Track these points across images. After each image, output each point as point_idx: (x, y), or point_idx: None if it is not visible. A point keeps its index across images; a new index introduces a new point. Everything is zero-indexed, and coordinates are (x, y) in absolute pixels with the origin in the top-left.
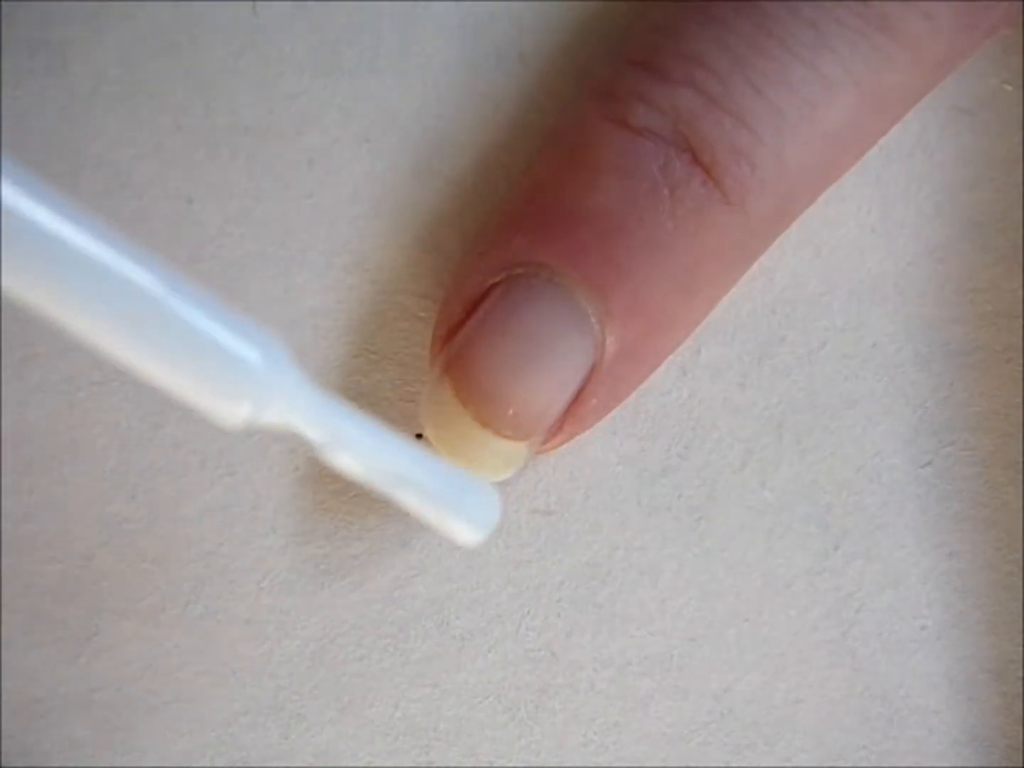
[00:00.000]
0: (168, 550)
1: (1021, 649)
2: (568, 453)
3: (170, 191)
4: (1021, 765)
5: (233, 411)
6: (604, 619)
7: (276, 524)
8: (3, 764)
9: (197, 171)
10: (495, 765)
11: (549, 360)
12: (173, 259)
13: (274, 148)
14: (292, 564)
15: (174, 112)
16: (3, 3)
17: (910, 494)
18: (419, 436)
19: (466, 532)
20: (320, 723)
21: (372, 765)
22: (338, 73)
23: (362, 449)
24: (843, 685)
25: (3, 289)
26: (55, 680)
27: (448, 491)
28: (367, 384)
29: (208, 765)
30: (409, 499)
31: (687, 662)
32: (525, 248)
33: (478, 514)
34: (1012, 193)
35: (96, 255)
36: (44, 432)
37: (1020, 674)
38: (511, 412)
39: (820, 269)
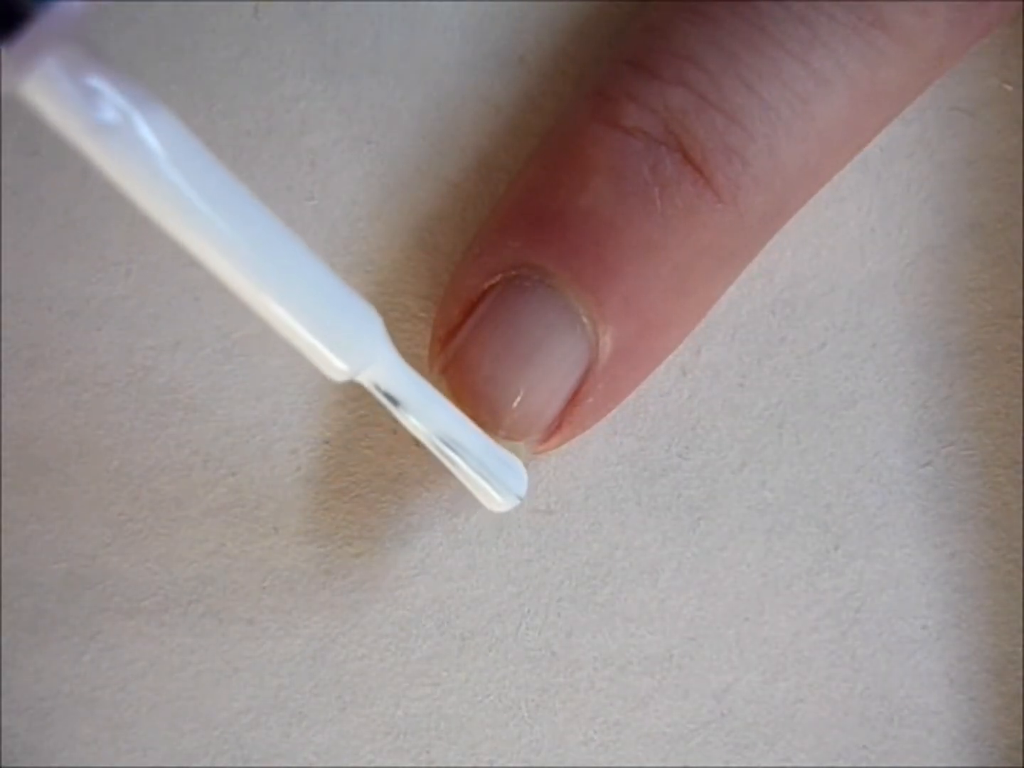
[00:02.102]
0: (171, 550)
1: (1021, 649)
2: (568, 453)
3: None
4: (1021, 765)
5: (341, 365)
6: (604, 618)
7: (278, 524)
8: (7, 762)
9: None
10: (495, 764)
11: (544, 361)
12: (175, 260)
13: (276, 150)
14: (294, 564)
15: (177, 114)
16: None
17: (910, 494)
18: None
19: (500, 499)
20: (321, 722)
21: (373, 764)
22: (339, 75)
23: (430, 415)
24: (843, 685)
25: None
26: (58, 678)
27: (493, 460)
28: None
29: (210, 763)
30: (460, 463)
31: (687, 661)
32: (519, 250)
33: (512, 484)
34: (1012, 193)
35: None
36: (49, 433)
37: (1020, 674)
38: (507, 412)
39: (820, 269)
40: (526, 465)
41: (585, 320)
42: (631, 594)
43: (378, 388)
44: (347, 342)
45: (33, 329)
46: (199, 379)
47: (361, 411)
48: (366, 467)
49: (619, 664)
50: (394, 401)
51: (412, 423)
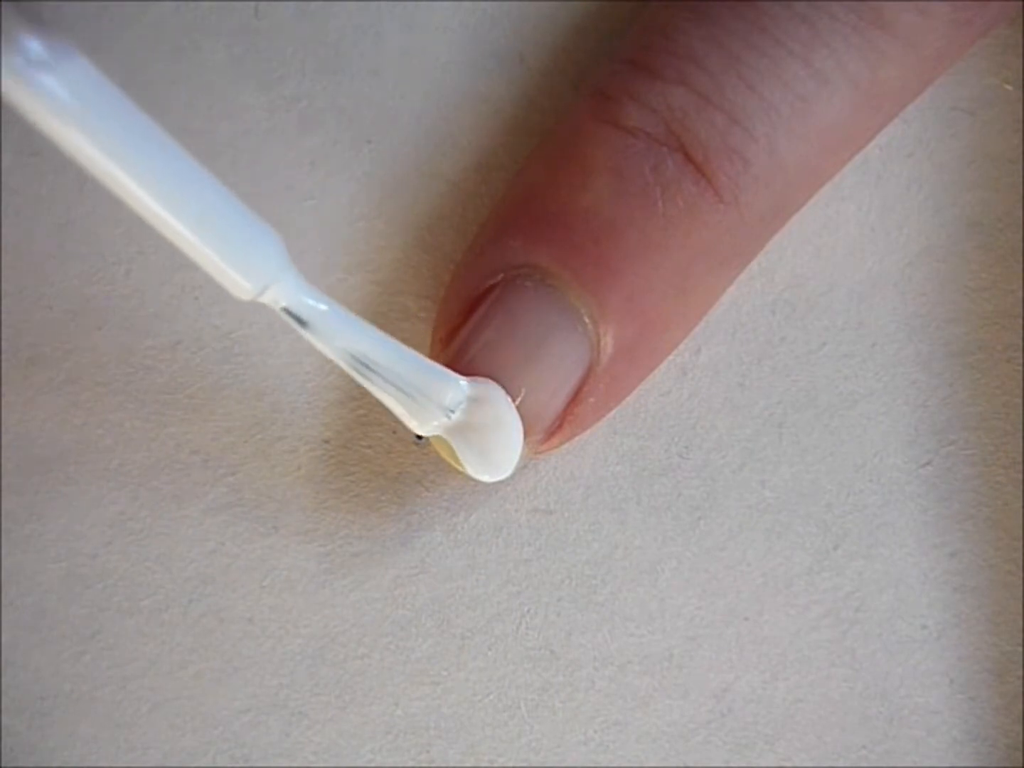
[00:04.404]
0: (171, 549)
1: (1021, 649)
2: (568, 453)
3: None
4: (1021, 765)
5: (244, 283)
6: (604, 618)
7: (278, 523)
8: (7, 762)
9: None
10: (495, 763)
11: (545, 360)
12: (175, 259)
13: (276, 150)
14: (294, 563)
15: (177, 115)
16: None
17: (910, 494)
18: (419, 437)
19: (423, 415)
20: (321, 721)
21: (373, 763)
22: (339, 75)
23: (337, 332)
24: (843, 685)
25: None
26: (58, 677)
27: (414, 375)
28: None
29: (210, 763)
30: (375, 381)
31: (687, 661)
32: (520, 249)
33: (440, 398)
34: (1012, 193)
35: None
36: (49, 432)
37: (1020, 674)
38: None
39: (820, 269)
40: (526, 466)
41: (586, 320)
42: (631, 594)
43: (284, 310)
44: (248, 259)
45: (33, 329)
46: (199, 379)
47: (361, 411)
48: (366, 467)
49: (619, 664)
50: (301, 322)
51: (321, 343)
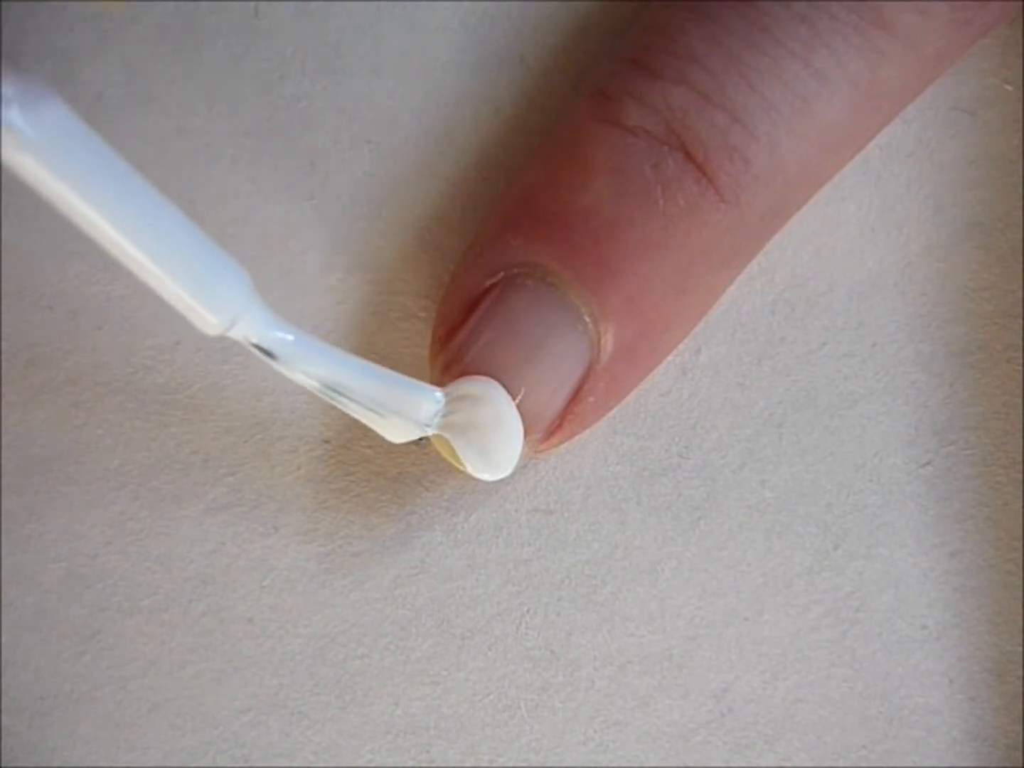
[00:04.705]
0: (171, 549)
1: (1021, 649)
2: (568, 453)
3: (173, 193)
4: (1021, 765)
5: (211, 320)
6: (604, 618)
7: (278, 523)
8: (7, 762)
9: (200, 173)
10: (495, 763)
11: (545, 359)
12: None
13: (276, 150)
14: (294, 563)
15: (177, 115)
16: (10, 10)
17: (910, 494)
18: (419, 437)
19: (400, 431)
20: (321, 721)
21: (373, 763)
22: (339, 75)
23: (306, 364)
24: (843, 685)
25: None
26: (59, 677)
27: (387, 394)
28: None
29: (210, 763)
30: (350, 406)
31: (687, 661)
32: (520, 248)
33: (413, 412)
34: (1012, 193)
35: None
36: (49, 432)
37: (1020, 674)
38: None
39: (820, 269)
40: (526, 465)
41: (586, 319)
42: (631, 594)
43: (252, 344)
44: (215, 296)
45: (33, 329)
46: (199, 379)
47: None
48: (366, 467)
49: (619, 664)
50: (270, 354)
51: (291, 374)
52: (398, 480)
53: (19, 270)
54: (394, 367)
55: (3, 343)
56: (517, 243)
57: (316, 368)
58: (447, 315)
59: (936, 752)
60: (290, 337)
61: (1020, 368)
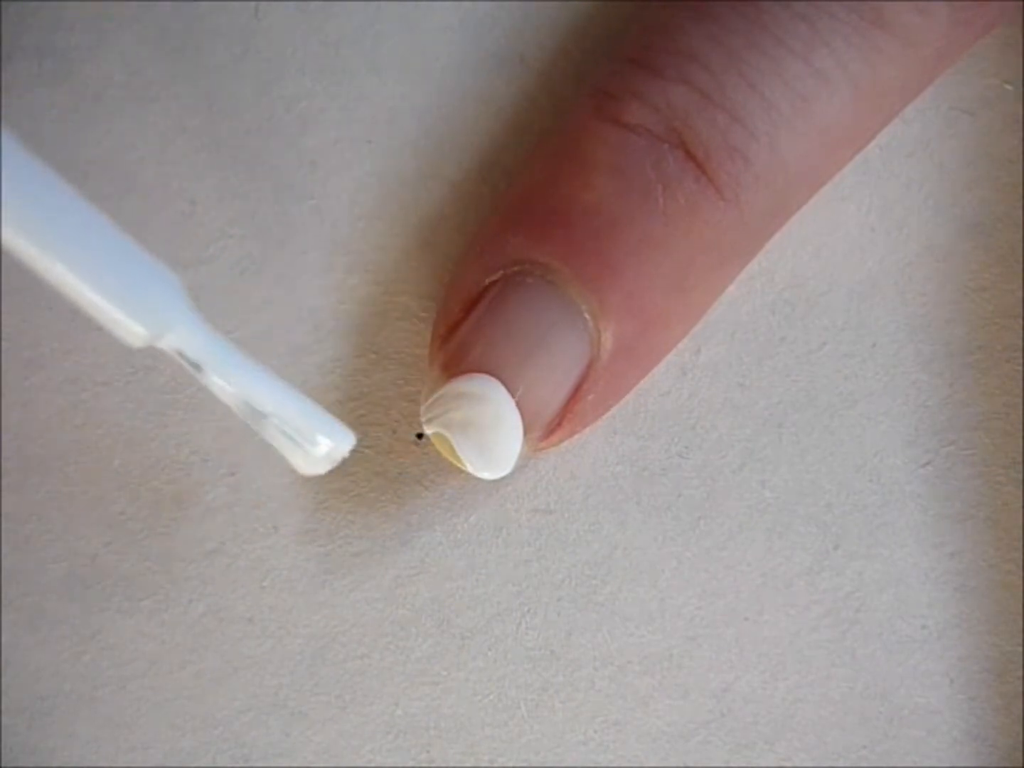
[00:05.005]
0: (171, 549)
1: (1021, 649)
2: (568, 453)
3: (173, 193)
4: (1021, 765)
5: (138, 329)
6: (604, 618)
7: (278, 523)
8: (7, 762)
9: (200, 173)
10: (495, 763)
11: (544, 356)
12: (176, 260)
13: (276, 150)
14: (294, 563)
15: (177, 115)
16: (10, 10)
17: (910, 494)
18: (419, 436)
19: (310, 460)
20: (321, 721)
21: (373, 763)
22: (339, 75)
23: (231, 378)
24: (843, 685)
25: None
26: (59, 678)
27: (304, 422)
28: (369, 384)
29: (210, 763)
30: (266, 426)
31: (687, 661)
32: (521, 246)
33: (325, 445)
34: (1012, 193)
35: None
36: (49, 432)
37: (1020, 674)
38: None
39: (820, 269)
40: (526, 465)
41: (586, 316)
42: (631, 594)
43: (181, 355)
44: (142, 306)
45: (33, 329)
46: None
47: (361, 411)
48: (366, 467)
49: (619, 664)
50: (196, 367)
51: (215, 387)
52: (398, 480)
53: (19, 270)
54: (394, 367)
55: (3, 343)
56: (517, 241)
57: (238, 385)
58: (447, 313)
59: (936, 752)
60: (216, 351)
61: (1020, 368)
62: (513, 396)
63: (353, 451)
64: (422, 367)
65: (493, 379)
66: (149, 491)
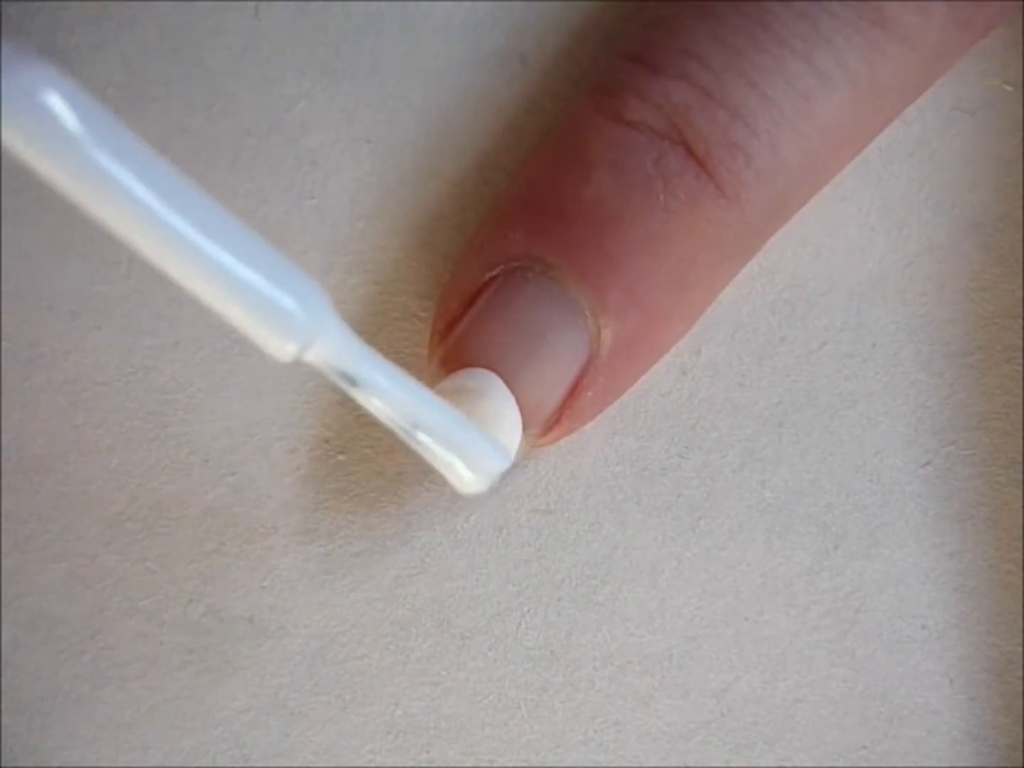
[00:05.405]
0: (171, 549)
1: (1021, 649)
2: (568, 452)
3: None
4: (1021, 765)
5: (282, 347)
6: (604, 618)
7: (278, 523)
8: (7, 762)
9: (200, 173)
10: (495, 763)
11: (544, 352)
12: None
13: (276, 149)
14: (294, 563)
15: (177, 115)
16: (10, 10)
17: (910, 494)
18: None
19: (473, 478)
20: (321, 721)
21: (373, 763)
22: (340, 75)
23: (390, 393)
24: (843, 685)
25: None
26: (58, 678)
27: (463, 438)
28: None
29: (210, 763)
30: (426, 443)
31: (687, 661)
32: (520, 242)
33: (485, 463)
34: (1012, 193)
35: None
36: (48, 432)
37: (1020, 674)
38: None
39: (820, 269)
40: (526, 464)
41: (586, 312)
42: (631, 594)
43: (331, 368)
44: (287, 316)
45: (33, 329)
46: (199, 379)
47: (361, 411)
48: (366, 467)
49: (619, 664)
50: (351, 381)
51: (372, 404)
52: (398, 480)
53: (19, 270)
54: None
55: (3, 343)
56: (517, 236)
57: (397, 401)
58: (446, 308)
59: (936, 752)
60: (371, 364)
61: (1020, 368)
62: (512, 391)
63: (353, 451)
64: (422, 367)
65: (492, 374)
66: (149, 491)
